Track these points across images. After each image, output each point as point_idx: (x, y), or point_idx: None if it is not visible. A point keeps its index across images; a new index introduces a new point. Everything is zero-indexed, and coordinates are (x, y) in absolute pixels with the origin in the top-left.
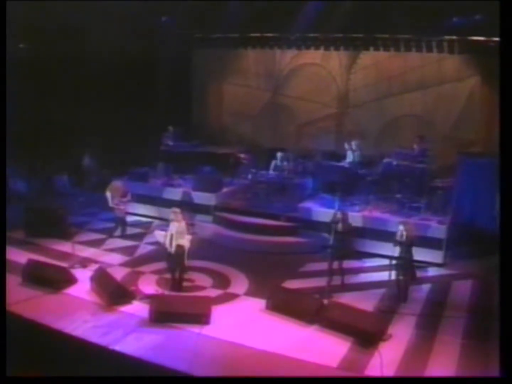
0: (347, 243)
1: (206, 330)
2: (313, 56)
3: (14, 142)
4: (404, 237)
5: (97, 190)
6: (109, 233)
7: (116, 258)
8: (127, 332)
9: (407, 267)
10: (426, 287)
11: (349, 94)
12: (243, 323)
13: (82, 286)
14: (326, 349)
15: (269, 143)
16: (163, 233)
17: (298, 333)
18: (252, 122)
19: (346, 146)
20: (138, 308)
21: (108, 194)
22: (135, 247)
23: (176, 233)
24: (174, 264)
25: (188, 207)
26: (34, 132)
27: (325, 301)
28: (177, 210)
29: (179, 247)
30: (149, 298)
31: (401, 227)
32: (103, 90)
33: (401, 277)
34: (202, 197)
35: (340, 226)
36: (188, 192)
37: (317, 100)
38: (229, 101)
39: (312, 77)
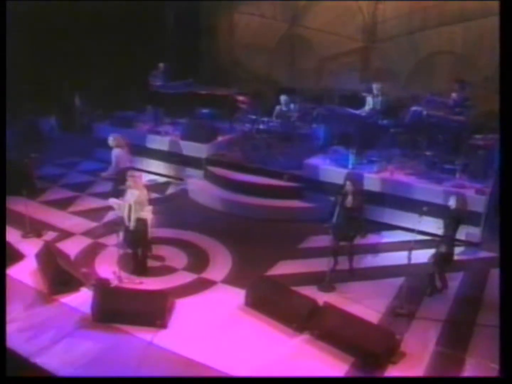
0: (356, 223)
1: (160, 336)
2: None
3: None
4: (455, 215)
5: (87, 134)
6: (84, 189)
7: (81, 224)
8: (59, 337)
9: (447, 253)
10: (455, 277)
11: (377, 26)
12: (212, 328)
13: (29, 263)
14: (316, 371)
15: (286, 81)
16: (118, 201)
17: (281, 346)
18: (266, 56)
19: (364, 93)
20: (83, 299)
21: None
22: (106, 210)
23: (135, 204)
24: (134, 242)
25: (176, 158)
26: (18, 71)
27: (320, 302)
28: (136, 173)
29: (140, 221)
30: (95, 288)
31: (451, 201)
32: (98, 23)
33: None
34: (192, 148)
35: (349, 200)
36: (176, 141)
37: (340, 32)
38: (240, 33)
39: (334, 6)
